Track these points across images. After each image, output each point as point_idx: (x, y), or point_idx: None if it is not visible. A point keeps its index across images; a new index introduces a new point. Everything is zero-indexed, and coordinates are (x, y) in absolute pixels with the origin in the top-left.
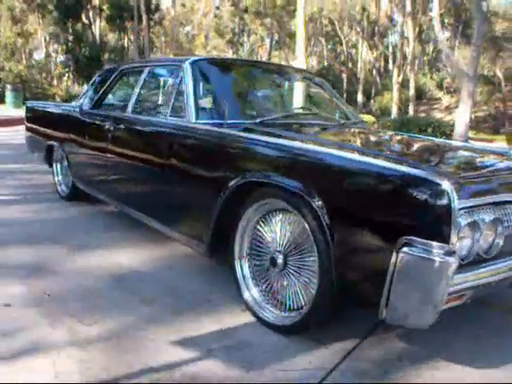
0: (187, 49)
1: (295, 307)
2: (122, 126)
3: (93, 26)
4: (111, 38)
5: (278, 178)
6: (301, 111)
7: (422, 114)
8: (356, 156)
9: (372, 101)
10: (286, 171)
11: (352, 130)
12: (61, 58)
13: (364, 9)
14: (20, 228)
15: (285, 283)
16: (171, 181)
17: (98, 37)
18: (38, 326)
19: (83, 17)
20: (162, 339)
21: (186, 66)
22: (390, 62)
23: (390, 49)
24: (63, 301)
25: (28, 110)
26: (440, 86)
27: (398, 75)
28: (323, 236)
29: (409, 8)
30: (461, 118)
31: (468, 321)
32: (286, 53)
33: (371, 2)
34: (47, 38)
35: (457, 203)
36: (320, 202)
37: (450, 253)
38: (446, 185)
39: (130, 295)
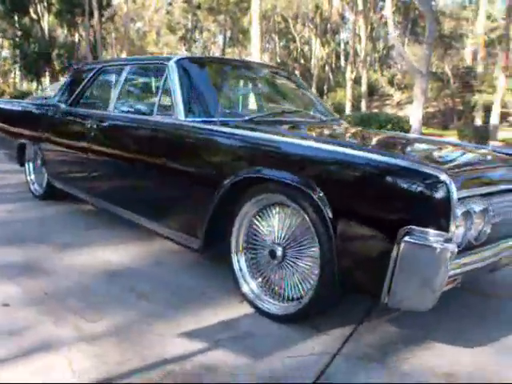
0: (138, 46)
1: (295, 297)
2: (105, 124)
3: (41, 21)
4: (60, 33)
5: (277, 173)
6: (286, 109)
7: (375, 110)
8: (356, 151)
9: (325, 97)
10: (285, 166)
11: (336, 126)
12: (6, 52)
13: (317, 6)
14: None
15: (284, 275)
16: (161, 178)
17: (46, 32)
18: (43, 324)
19: (31, 11)
20: (168, 332)
21: (172, 64)
22: (342, 58)
23: (342, 46)
24: (61, 299)
25: None
26: (391, 83)
27: (352, 72)
28: (325, 228)
29: (360, 6)
30: (414, 114)
31: (451, 305)
32: (240, 50)
33: (324, 0)
34: None
35: (455, 194)
36: (322, 195)
37: (449, 240)
38: (445, 177)
39: (127, 291)
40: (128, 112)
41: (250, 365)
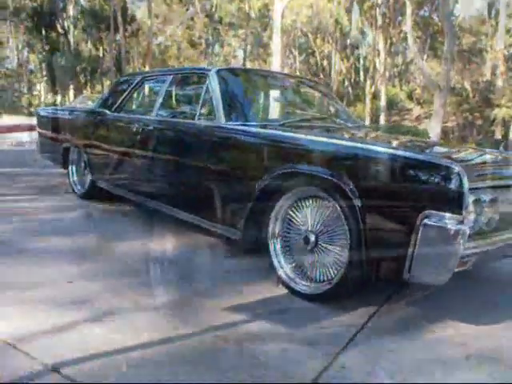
0: (160, 59)
1: (325, 279)
2: (150, 128)
3: (68, 35)
4: (84, 47)
5: (312, 167)
6: (315, 115)
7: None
8: (383, 148)
9: None
10: (319, 162)
11: (362, 129)
12: (31, 66)
13: (337, 22)
14: (48, 222)
15: (316, 259)
16: (204, 176)
17: (72, 46)
18: (105, 297)
19: (58, 26)
20: (214, 307)
21: (212, 73)
22: (361, 73)
23: (361, 61)
24: (117, 278)
25: (40, 116)
26: (410, 97)
27: (371, 86)
28: (354, 216)
29: (380, 21)
30: (433, 127)
31: (460, 291)
32: (260, 64)
33: (344, 16)
34: (19, 47)
35: (467, 184)
36: (352, 187)
37: (462, 222)
38: (459, 169)
39: (175, 273)
40: (171, 117)
41: (288, 332)
